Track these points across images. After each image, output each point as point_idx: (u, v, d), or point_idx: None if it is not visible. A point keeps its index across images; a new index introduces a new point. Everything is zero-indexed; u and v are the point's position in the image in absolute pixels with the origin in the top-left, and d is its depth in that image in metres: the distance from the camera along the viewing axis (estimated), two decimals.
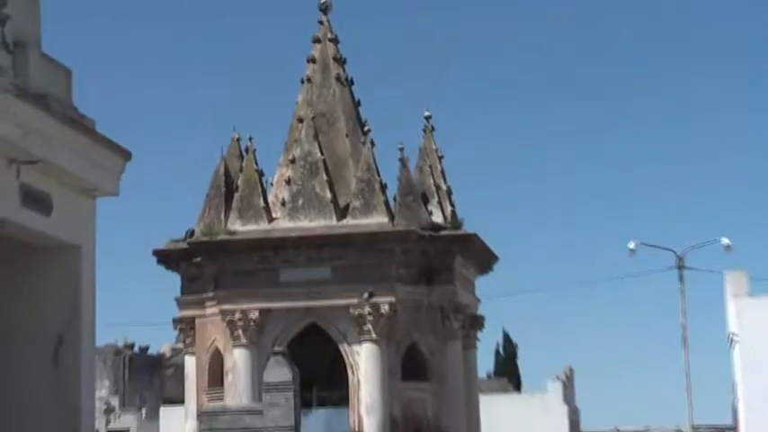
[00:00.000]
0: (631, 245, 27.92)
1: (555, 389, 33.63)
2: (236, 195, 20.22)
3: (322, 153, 20.18)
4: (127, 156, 9.01)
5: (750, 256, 52.60)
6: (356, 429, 19.98)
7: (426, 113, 22.86)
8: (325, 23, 22.30)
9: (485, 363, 35.06)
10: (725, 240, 26.87)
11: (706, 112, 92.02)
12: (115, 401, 27.44)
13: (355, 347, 19.95)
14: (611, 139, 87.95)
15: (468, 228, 21.40)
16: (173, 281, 21.63)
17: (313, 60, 21.62)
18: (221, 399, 20.33)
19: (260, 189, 20.59)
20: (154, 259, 21.58)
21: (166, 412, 31.07)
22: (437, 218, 21.10)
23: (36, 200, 8.06)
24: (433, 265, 20.67)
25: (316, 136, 20.18)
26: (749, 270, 23.66)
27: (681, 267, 27.79)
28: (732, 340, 22.08)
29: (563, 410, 33.09)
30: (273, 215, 20.47)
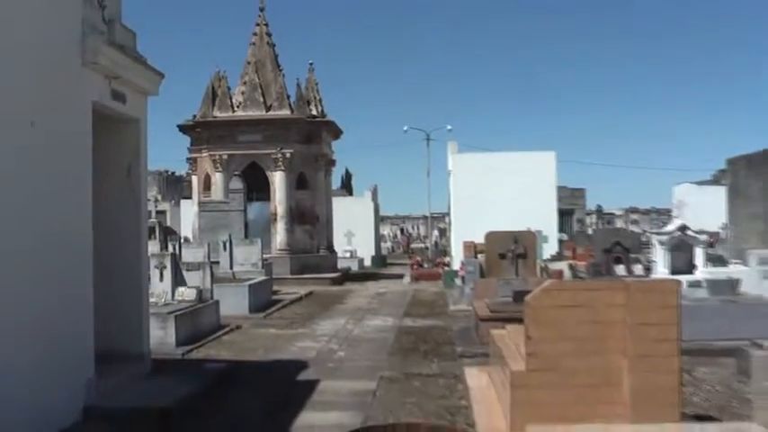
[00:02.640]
0: (405, 127, 46.87)
1: (368, 195, 45.31)
2: (217, 99, 31.03)
3: (258, 79, 31.36)
4: (162, 75, 10.94)
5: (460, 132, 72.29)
6: (274, 212, 30.34)
7: (310, 62, 34.54)
8: (263, 15, 32.85)
9: (336, 182, 48.04)
10: (448, 126, 44.02)
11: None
12: (159, 197, 37.93)
13: (273, 173, 30.46)
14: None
15: (329, 117, 32.77)
16: (186, 139, 31.99)
17: (255, 34, 32.65)
18: (209, 196, 30.30)
19: (228, 96, 31.22)
20: (176, 129, 31.93)
21: (185, 203, 39.11)
22: (314, 112, 32.05)
23: (118, 96, 9.83)
24: (312, 134, 31.43)
25: (255, 71, 31.55)
26: (458, 140, 35.10)
27: (428, 139, 45.04)
28: (449, 174, 32.63)
29: (371, 205, 43.85)
30: (235, 109, 31.08)
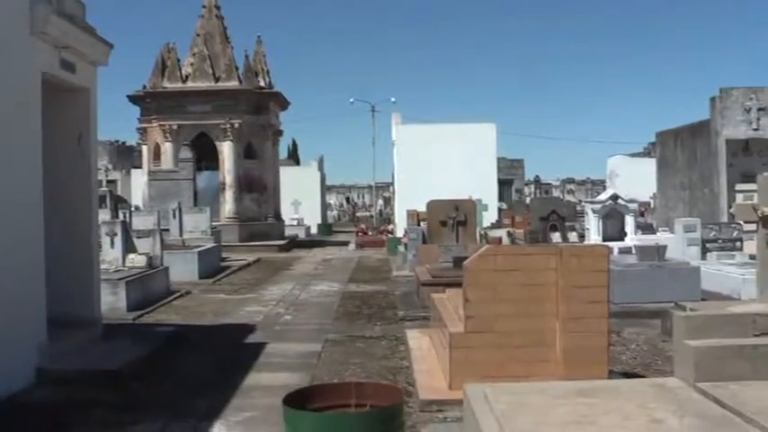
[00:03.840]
0: (351, 99, 46.25)
1: (314, 165, 45.50)
2: (167, 70, 30.37)
3: (207, 51, 30.79)
4: (111, 46, 10.78)
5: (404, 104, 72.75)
6: (223, 181, 29.85)
7: (258, 34, 35.14)
8: None
9: (283, 152, 48.60)
10: (392, 98, 44.39)
11: None
12: (110, 166, 37.58)
13: (222, 143, 30.03)
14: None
15: (277, 88, 32.52)
16: (136, 110, 31.31)
17: (204, 6, 31.81)
18: (159, 166, 30.01)
19: (178, 67, 30.53)
20: (127, 100, 31.18)
21: (135, 172, 38.38)
22: (262, 83, 31.69)
23: (67, 66, 9.62)
24: (260, 105, 30.94)
25: (204, 43, 30.87)
26: (402, 112, 36.47)
27: (373, 111, 44.99)
28: (393, 144, 32.86)
29: (317, 175, 44.04)
30: (184, 80, 30.57)
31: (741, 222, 17.32)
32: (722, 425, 4.64)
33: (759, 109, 20.67)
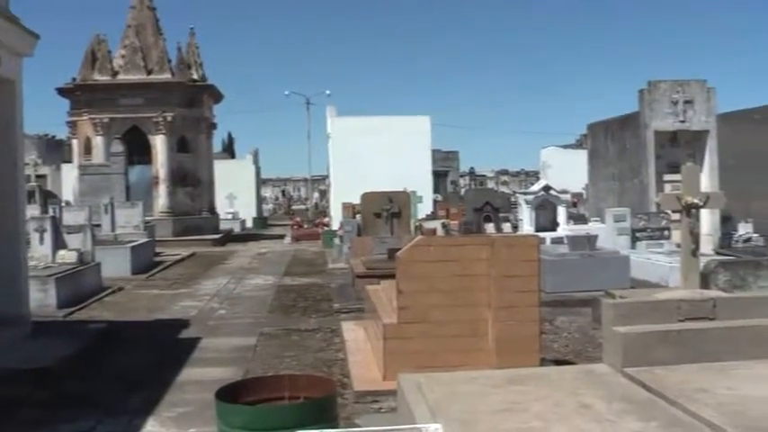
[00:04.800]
0: (286, 92, 46.08)
1: (249, 158, 45.15)
2: (97, 62, 29.75)
3: (139, 42, 30.24)
4: (37, 36, 10.51)
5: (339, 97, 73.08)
6: (156, 175, 29.59)
7: (191, 27, 34.92)
8: None
9: (218, 145, 48.23)
10: (327, 91, 43.00)
11: None
12: (39, 161, 36.51)
13: (155, 137, 29.67)
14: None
15: (210, 81, 32.25)
16: (66, 103, 30.74)
17: None
18: (90, 160, 29.45)
19: (109, 59, 29.93)
20: (56, 92, 30.66)
21: (66, 167, 37.36)
22: (195, 76, 31.43)
23: None
24: (193, 98, 30.74)
25: (136, 34, 30.30)
26: (337, 105, 34.99)
27: (308, 104, 44.89)
28: (328, 137, 32.90)
29: (252, 168, 43.70)
30: (116, 72, 30.01)
31: (669, 212, 17.65)
32: (647, 408, 4.75)
33: (686, 101, 21.06)
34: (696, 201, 6.28)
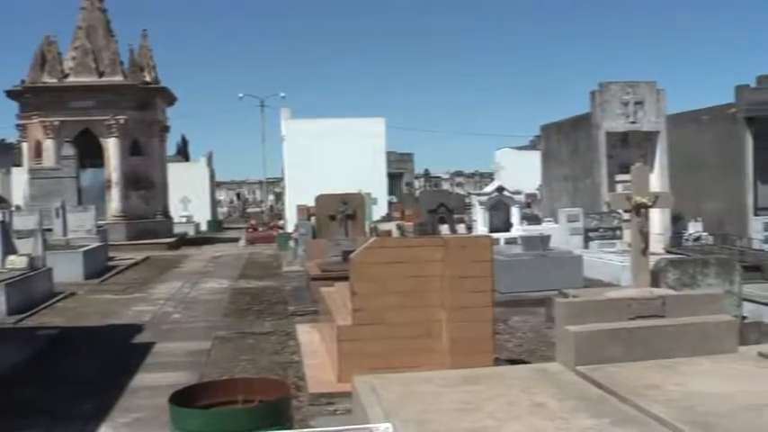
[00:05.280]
0: (240, 94, 47.23)
1: (203, 161, 44.98)
2: (47, 64, 29.39)
3: (90, 44, 29.96)
4: None
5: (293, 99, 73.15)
6: (108, 179, 29.34)
7: (144, 28, 34.11)
8: None
9: (172, 148, 47.40)
10: (282, 93, 43.43)
11: None
12: None
13: (107, 140, 29.52)
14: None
15: (163, 83, 31.86)
16: (15, 105, 30.35)
17: None
18: (41, 163, 29.03)
19: (59, 61, 29.68)
20: (4, 95, 30.08)
21: (15, 171, 37.48)
22: (148, 78, 31.09)
23: None
24: (146, 101, 30.47)
25: (87, 36, 30.10)
26: (291, 107, 35.41)
27: (262, 106, 44.83)
28: (283, 139, 32.88)
29: (207, 171, 43.53)
30: (66, 74, 29.72)
31: (620, 211, 17.86)
32: (599, 405, 4.81)
33: (636, 102, 21.37)
34: (645, 200, 6.35)
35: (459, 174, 75.88)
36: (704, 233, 20.31)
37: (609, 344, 5.68)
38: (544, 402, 4.93)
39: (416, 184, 59.15)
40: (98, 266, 20.17)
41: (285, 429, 4.96)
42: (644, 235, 6.45)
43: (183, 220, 38.13)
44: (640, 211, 6.38)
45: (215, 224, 42.71)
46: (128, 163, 30.23)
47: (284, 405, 5.27)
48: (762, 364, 5.67)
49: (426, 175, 65.87)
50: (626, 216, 16.11)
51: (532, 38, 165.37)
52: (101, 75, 30.40)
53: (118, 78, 30.45)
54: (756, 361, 5.75)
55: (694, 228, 20.60)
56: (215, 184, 50.55)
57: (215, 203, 49.36)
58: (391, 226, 24.24)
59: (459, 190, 61.58)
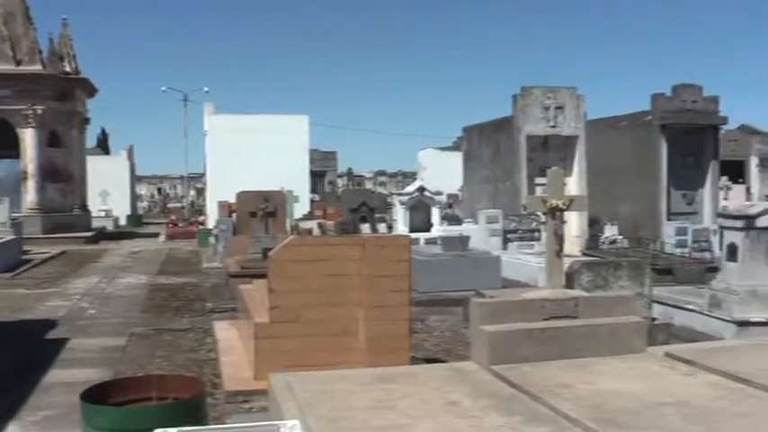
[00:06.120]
0: (163, 88, 46.26)
1: (123, 154, 44.37)
2: None
3: (8, 31, 29.17)
4: None
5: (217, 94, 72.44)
6: (24, 170, 28.76)
7: (64, 16, 34.00)
8: None
9: (91, 141, 46.97)
10: (205, 88, 42.89)
11: None
12: None
13: (24, 130, 28.83)
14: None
15: (84, 74, 31.33)
16: None
17: None
18: None
19: None
20: None
21: None
22: (68, 68, 30.65)
23: None
24: (65, 91, 30.03)
25: (4, 23, 29.20)
26: (215, 102, 35.08)
27: (186, 100, 44.45)
28: (206, 134, 32.51)
29: (127, 164, 42.99)
30: None
31: (539, 213, 18.15)
32: (511, 403, 4.87)
33: (556, 107, 21.75)
34: (560, 203, 6.48)
35: (382, 173, 76.04)
36: (620, 236, 20.77)
37: (523, 344, 5.77)
38: (458, 401, 4.97)
39: (339, 182, 59.11)
40: (11, 260, 19.66)
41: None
42: (558, 237, 6.57)
43: (102, 214, 37.50)
44: (555, 213, 6.49)
45: (135, 219, 42.10)
46: (45, 154, 29.55)
47: (199, 402, 5.23)
48: (668, 363, 5.82)
49: (350, 173, 65.84)
50: (544, 218, 16.44)
51: (459, 39, 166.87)
52: (18, 63, 29.60)
53: (36, 67, 29.72)
54: (663, 361, 5.90)
55: (610, 231, 21.05)
56: (135, 179, 49.80)
57: (135, 198, 48.61)
58: (312, 224, 24.19)
59: (382, 189, 61.75)
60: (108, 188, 39.75)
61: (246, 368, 7.83)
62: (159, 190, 75.86)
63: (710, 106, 22.86)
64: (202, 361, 9.25)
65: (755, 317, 9.83)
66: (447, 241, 14.73)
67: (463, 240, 14.56)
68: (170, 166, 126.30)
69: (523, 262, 15.85)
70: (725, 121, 24.15)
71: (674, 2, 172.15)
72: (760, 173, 39.13)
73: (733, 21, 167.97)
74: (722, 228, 10.77)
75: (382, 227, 20.51)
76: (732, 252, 10.24)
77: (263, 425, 3.68)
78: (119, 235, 33.09)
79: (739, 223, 10.14)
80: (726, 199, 25.55)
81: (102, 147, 57.37)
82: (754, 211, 10.20)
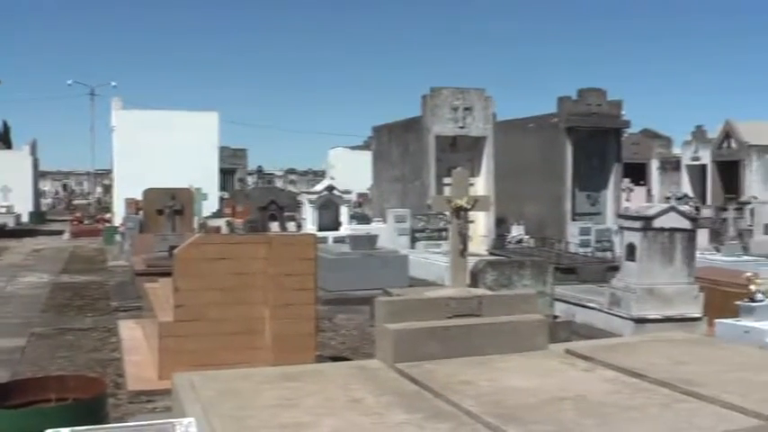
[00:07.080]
0: (69, 81, 45.35)
1: (26, 149, 42.94)
2: None
3: None
4: None
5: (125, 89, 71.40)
6: None
7: None
8: None
9: None
10: (113, 82, 41.69)
11: None
12: None
13: None
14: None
15: None
16: None
17: None
18: None
19: None
20: None
21: None
22: None
23: None
24: None
25: None
26: (123, 97, 33.71)
27: (93, 95, 43.53)
28: (113, 130, 31.90)
29: (30, 159, 41.71)
30: None
31: (447, 213, 18.37)
32: (414, 400, 4.94)
33: (465, 108, 22.02)
34: (464, 203, 6.58)
35: (292, 171, 75.73)
36: (526, 236, 21.16)
37: (427, 341, 5.84)
38: (361, 398, 5.01)
39: (249, 180, 58.63)
40: None
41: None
42: (463, 237, 6.68)
43: (3, 210, 36.53)
44: (460, 213, 6.59)
45: (38, 216, 41.00)
46: None
47: (100, 403, 5.14)
48: (568, 360, 5.98)
49: (260, 171, 65.33)
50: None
51: (371, 38, 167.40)
52: None
53: None
54: (563, 357, 6.06)
55: (517, 231, 21.42)
56: (39, 174, 48.41)
57: (38, 194, 47.30)
58: (221, 222, 23.97)
59: (292, 188, 61.44)
60: (9, 184, 38.57)
61: (151, 368, 7.72)
62: (64, 186, 73.99)
63: (614, 110, 23.47)
64: (106, 361, 9.06)
65: (652, 314, 10.14)
66: (355, 240, 14.77)
67: (371, 239, 14.63)
68: (76, 161, 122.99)
69: (431, 261, 16.01)
70: (628, 124, 24.87)
71: (581, 9, 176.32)
72: (660, 175, 40.45)
73: (639, 31, 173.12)
74: (622, 228, 11.06)
75: (292, 225, 20.45)
76: (631, 252, 10.54)
77: (158, 423, 3.65)
78: (20, 232, 32.17)
79: (637, 224, 10.44)
80: (628, 200, 26.34)
81: (4, 140, 55.65)
82: (651, 212, 10.51)
